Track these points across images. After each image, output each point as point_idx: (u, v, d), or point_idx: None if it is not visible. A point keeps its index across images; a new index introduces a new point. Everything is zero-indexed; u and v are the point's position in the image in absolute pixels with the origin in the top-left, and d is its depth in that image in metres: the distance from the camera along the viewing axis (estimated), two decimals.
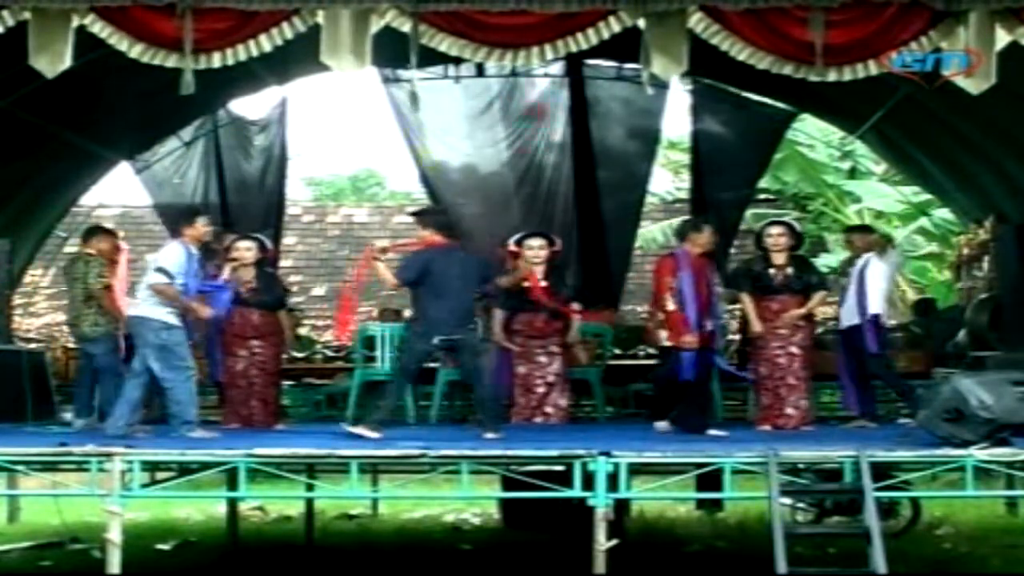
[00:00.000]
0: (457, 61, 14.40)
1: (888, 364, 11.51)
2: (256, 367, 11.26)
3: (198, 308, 10.10)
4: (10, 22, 9.49)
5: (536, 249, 11.74)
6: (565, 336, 11.82)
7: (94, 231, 11.47)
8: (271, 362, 11.40)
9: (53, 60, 9.54)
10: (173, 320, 9.88)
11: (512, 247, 11.91)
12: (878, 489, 8.28)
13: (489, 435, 9.60)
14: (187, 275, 9.98)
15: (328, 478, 9.76)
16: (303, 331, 17.07)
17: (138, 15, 9.55)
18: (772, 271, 10.97)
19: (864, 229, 12.73)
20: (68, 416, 11.57)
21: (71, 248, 20.05)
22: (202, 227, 10.21)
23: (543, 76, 16.64)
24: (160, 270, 9.94)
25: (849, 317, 11.17)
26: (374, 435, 9.52)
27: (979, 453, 8.33)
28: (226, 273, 10.95)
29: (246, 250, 11.30)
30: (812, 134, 22.40)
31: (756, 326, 10.96)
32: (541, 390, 11.66)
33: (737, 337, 13.94)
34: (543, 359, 11.71)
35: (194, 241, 10.16)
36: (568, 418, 11.80)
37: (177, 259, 9.98)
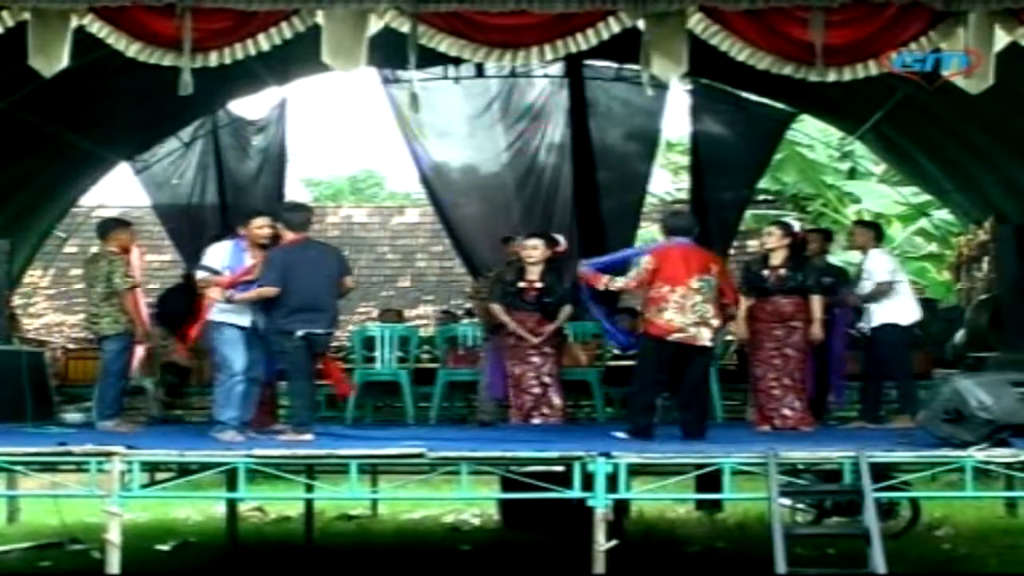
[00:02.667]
0: (457, 61, 14.38)
1: (903, 365, 11.44)
2: None
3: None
4: (10, 22, 9.48)
5: (529, 249, 11.75)
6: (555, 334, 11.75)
7: (110, 225, 11.31)
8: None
9: (51, 60, 9.53)
10: (223, 317, 9.85)
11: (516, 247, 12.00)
12: (878, 490, 8.28)
13: (289, 436, 9.62)
14: (234, 270, 10.01)
15: (327, 479, 9.75)
16: None
17: (137, 15, 9.53)
18: (766, 272, 10.97)
19: (866, 225, 12.69)
20: (68, 416, 11.55)
21: (71, 248, 20.12)
22: (255, 228, 10.17)
23: (543, 76, 16.63)
24: (201, 267, 10.07)
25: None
26: (307, 437, 9.61)
27: (978, 454, 8.33)
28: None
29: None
30: (812, 134, 22.41)
31: (741, 330, 11.00)
32: (537, 391, 11.59)
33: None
34: (536, 359, 11.61)
35: (251, 240, 10.15)
36: (566, 417, 11.78)
37: (218, 255, 10.10)
